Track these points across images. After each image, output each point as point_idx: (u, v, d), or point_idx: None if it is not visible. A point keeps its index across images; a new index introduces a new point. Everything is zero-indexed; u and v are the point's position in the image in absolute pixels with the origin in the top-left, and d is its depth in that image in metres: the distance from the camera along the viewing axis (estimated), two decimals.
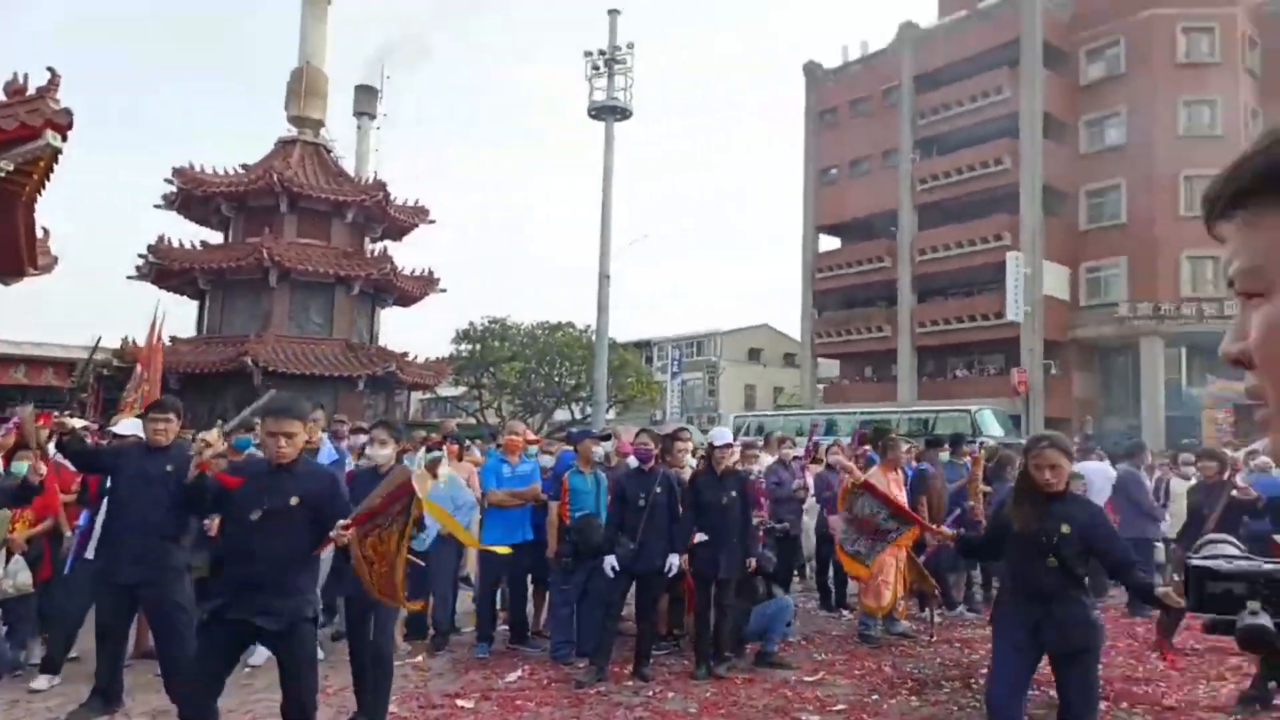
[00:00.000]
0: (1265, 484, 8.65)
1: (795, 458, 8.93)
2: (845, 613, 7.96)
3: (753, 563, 6.18)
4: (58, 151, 7.76)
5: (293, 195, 19.79)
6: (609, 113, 24.79)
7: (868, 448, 9.49)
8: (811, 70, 38.15)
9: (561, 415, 31.59)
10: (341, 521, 3.63)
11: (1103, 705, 5.21)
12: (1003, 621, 3.86)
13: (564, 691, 5.48)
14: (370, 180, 22.39)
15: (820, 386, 37.49)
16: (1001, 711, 3.68)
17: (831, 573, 8.38)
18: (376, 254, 21.31)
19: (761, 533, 7.21)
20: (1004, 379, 29.31)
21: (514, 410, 30.38)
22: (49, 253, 12.21)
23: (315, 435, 6.70)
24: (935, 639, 7.00)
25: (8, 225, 9.40)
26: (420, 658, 6.29)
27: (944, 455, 9.18)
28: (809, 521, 8.62)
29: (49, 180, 8.67)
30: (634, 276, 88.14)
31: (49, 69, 7.69)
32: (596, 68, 25.10)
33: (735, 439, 7.02)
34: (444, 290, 23.07)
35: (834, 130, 37.02)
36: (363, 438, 7.41)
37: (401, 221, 22.22)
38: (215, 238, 21.17)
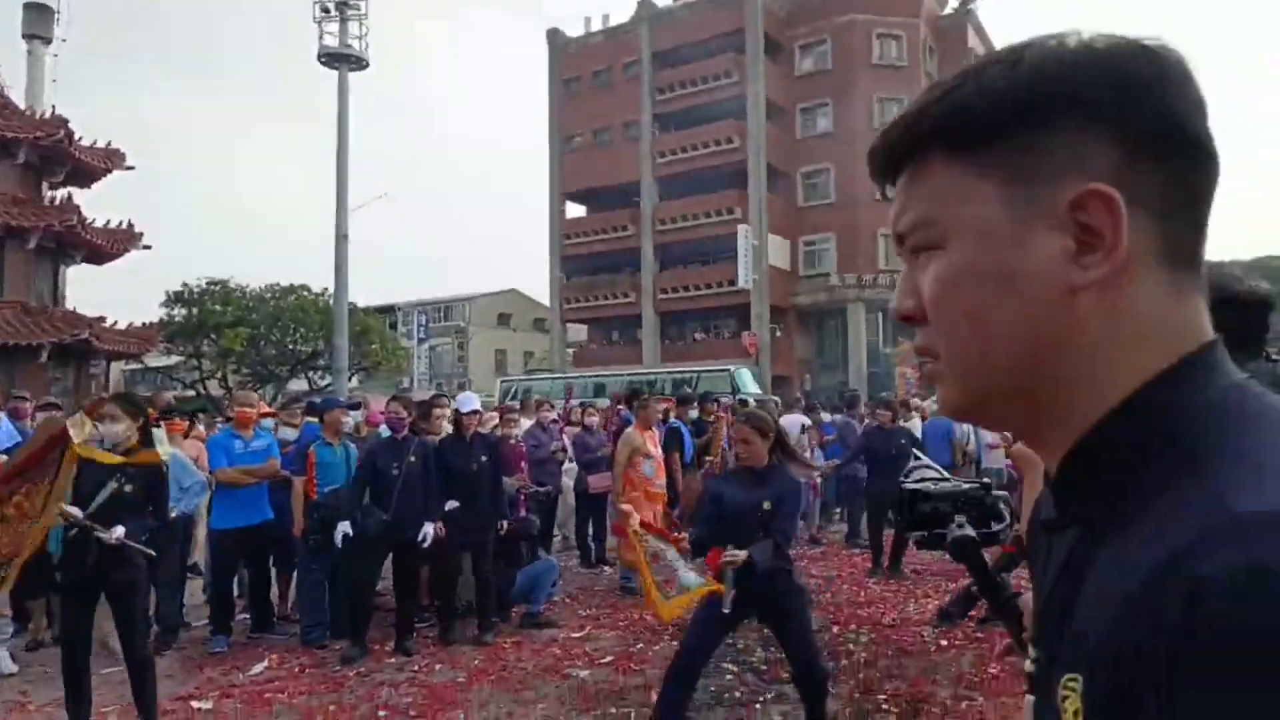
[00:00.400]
0: (937, 424, 10.16)
1: (553, 421, 8.98)
2: (606, 568, 8.19)
3: (504, 525, 6.13)
4: None
5: None
6: (342, 61, 22.96)
7: (622, 407, 9.81)
8: (554, 37, 38.15)
9: (297, 385, 29.25)
10: None
11: (835, 629, 5.84)
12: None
13: (319, 677, 5.10)
14: (47, 115, 18.96)
15: (570, 350, 38.15)
16: (688, 657, 3.64)
17: (591, 530, 8.57)
18: (58, 202, 18.17)
19: (523, 497, 7.18)
20: (736, 341, 31.67)
21: (242, 380, 27.62)
22: None
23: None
24: None
25: None
26: None
27: (693, 413, 9.69)
28: (568, 482, 8.73)
29: None
30: (376, 239, 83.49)
31: None
32: (326, 10, 23.10)
33: (503, 402, 6.88)
34: (148, 247, 20.25)
35: (577, 99, 37.42)
36: (53, 415, 6.33)
37: (89, 165, 19.08)
38: None
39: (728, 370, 22.01)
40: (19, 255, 16.92)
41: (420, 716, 4.37)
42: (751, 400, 12.02)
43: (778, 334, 33.25)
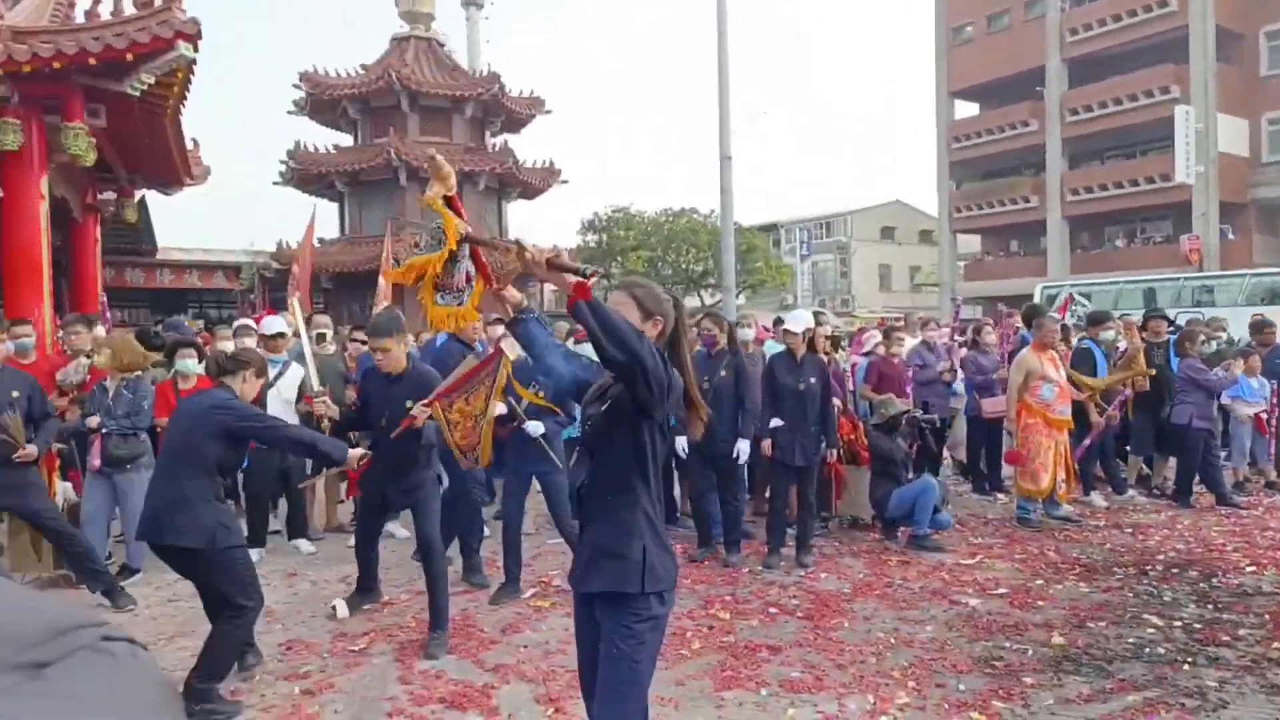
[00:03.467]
0: None
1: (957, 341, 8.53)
2: (1000, 496, 7.68)
3: (833, 453, 5.94)
4: (192, 62, 8.00)
5: (412, 93, 19.97)
6: None
7: (1019, 325, 8.94)
8: None
9: (691, 302, 31.51)
10: (419, 404, 4.10)
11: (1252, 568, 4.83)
12: None
13: (717, 569, 5.58)
14: (484, 73, 22.23)
15: (961, 264, 35.65)
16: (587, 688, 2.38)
17: (984, 456, 8.06)
18: (497, 148, 21.38)
19: (904, 421, 6.89)
20: (1172, 247, 26.92)
21: None
22: (201, 163, 12.87)
23: (474, 334, 6.84)
24: (1105, 524, 6.64)
25: (158, 138, 9.91)
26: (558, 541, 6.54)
27: (1106, 333, 8.48)
28: (958, 405, 8.26)
29: (188, 91, 9.01)
30: (757, 157, 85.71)
31: None
32: None
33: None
34: (566, 182, 23.00)
35: None
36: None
37: (518, 114, 22.10)
38: (346, 140, 21.79)
39: None
40: (472, 196, 20.33)
41: (807, 619, 4.57)
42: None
43: (1229, 236, 27.45)
